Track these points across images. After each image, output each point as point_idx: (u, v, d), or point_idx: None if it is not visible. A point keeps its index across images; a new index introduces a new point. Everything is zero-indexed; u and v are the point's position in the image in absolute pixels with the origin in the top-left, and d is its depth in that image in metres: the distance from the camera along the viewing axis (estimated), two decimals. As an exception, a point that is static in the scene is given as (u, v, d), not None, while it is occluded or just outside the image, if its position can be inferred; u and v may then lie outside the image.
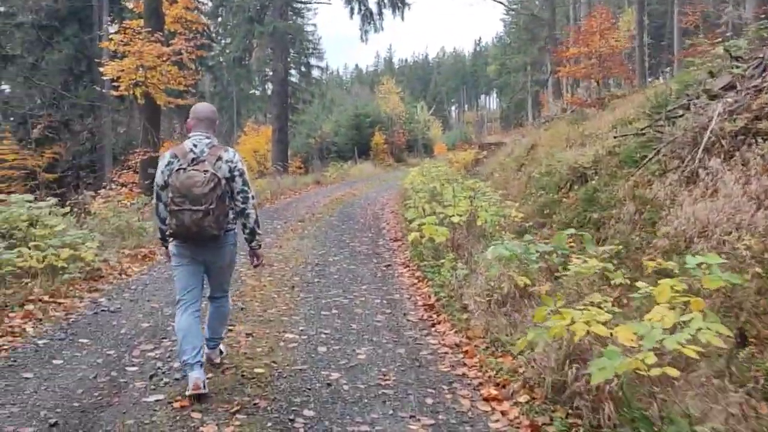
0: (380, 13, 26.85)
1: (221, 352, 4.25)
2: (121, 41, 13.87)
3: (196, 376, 3.53)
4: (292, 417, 3.35)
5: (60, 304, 5.56)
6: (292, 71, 31.59)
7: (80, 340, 4.63)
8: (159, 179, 3.67)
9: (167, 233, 3.70)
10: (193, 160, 3.60)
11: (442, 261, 6.76)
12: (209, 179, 3.49)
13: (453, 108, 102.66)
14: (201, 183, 3.47)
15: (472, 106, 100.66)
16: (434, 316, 5.46)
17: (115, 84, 14.27)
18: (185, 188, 3.47)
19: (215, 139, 3.79)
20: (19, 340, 4.58)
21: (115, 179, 15.37)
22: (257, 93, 37.97)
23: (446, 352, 4.50)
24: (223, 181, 3.59)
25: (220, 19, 28.48)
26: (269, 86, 33.88)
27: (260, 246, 3.95)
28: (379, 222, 12.21)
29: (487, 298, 5.14)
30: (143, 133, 15.08)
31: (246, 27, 25.95)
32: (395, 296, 6.23)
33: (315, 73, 35.45)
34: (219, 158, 3.64)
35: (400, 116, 45.03)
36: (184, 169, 3.53)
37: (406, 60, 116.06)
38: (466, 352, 4.45)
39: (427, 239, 7.22)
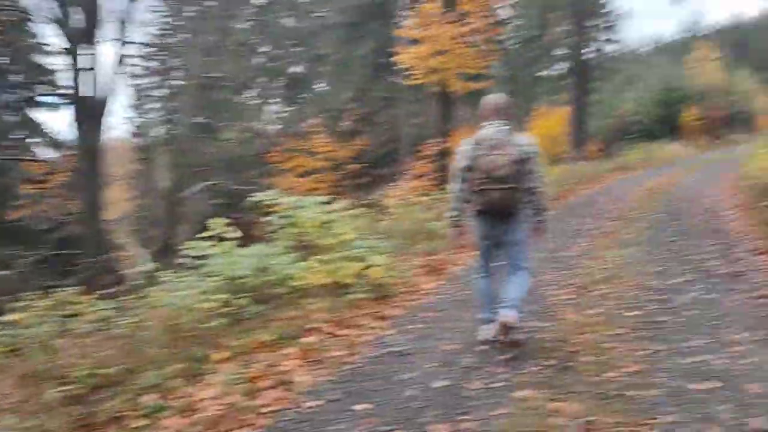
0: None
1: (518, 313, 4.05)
2: (416, 27, 13.31)
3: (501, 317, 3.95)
4: None
5: (341, 338, 4.56)
6: (591, 46, 28.72)
7: (354, 407, 3.45)
8: (462, 163, 4.06)
9: (476, 209, 4.08)
10: (492, 146, 3.93)
11: None
12: (509, 161, 3.89)
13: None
14: (502, 166, 3.88)
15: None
16: None
17: (410, 73, 13.81)
18: (488, 171, 3.89)
19: (510, 125, 4.05)
20: (288, 397, 3.57)
21: (408, 171, 15.12)
22: (549, 74, 35.67)
23: None
24: (520, 163, 3.93)
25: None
26: (561, 66, 32.38)
27: (544, 223, 4.24)
28: (720, 223, 9.42)
29: None
30: (436, 122, 14.47)
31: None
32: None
33: (610, 48, 31.99)
34: (515, 143, 3.98)
35: (716, 88, 38.07)
36: (487, 154, 3.91)
37: (716, 24, 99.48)
38: None
39: None
